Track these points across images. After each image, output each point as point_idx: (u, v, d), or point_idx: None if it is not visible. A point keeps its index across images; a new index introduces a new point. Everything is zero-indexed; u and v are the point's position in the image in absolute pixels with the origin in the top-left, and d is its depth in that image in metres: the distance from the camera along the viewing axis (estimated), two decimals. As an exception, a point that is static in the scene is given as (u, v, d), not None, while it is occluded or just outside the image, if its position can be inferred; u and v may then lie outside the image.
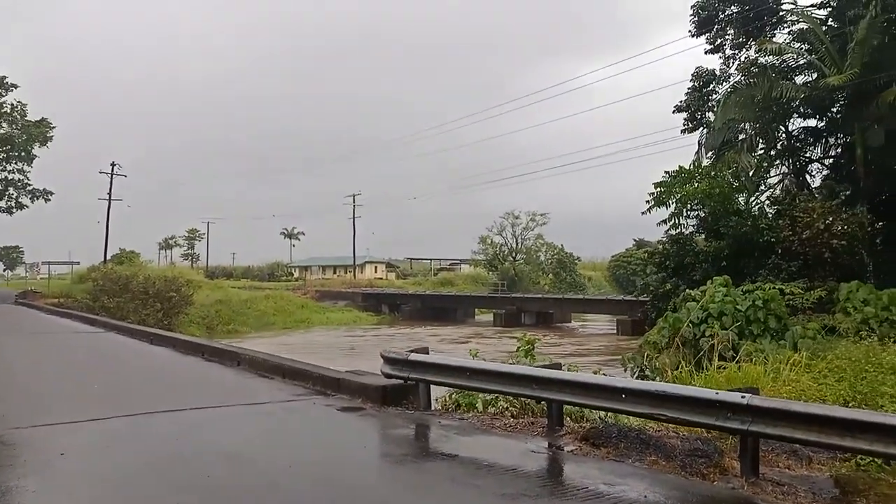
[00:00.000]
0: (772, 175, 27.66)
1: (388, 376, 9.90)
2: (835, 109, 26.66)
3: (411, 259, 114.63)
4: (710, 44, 28.53)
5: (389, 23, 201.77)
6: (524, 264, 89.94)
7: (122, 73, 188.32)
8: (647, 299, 37.26)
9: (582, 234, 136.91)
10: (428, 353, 10.00)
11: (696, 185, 23.32)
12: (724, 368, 11.42)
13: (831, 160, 26.64)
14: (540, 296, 68.83)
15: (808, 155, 27.21)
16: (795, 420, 6.07)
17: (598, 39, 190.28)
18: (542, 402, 8.44)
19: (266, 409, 9.80)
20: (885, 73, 22.17)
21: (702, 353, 11.75)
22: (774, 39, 26.13)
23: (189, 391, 11.27)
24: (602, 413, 8.83)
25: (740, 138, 27.99)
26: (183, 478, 6.48)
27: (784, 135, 27.24)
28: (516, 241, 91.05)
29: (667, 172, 24.93)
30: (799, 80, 26.11)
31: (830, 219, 20.51)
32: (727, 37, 28.22)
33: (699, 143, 28.94)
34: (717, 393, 6.64)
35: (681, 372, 11.14)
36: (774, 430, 6.22)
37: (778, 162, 27.64)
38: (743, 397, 6.37)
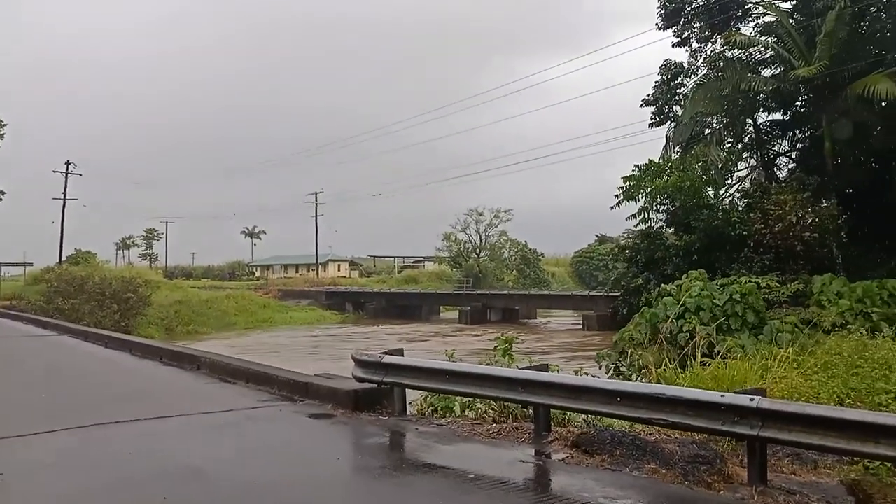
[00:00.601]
0: (739, 168, 27.59)
1: (361, 380, 9.28)
2: (798, 103, 26.65)
3: (375, 257, 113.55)
4: (678, 37, 28.34)
5: (347, 20, 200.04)
6: (488, 261, 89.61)
7: (76, 71, 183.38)
8: (615, 294, 36.83)
9: (545, 229, 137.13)
10: (403, 355, 9.40)
11: (666, 178, 23.03)
12: (707, 365, 11.02)
13: (798, 153, 26.62)
14: (505, 292, 68.52)
15: (775, 148, 27.15)
16: (811, 424, 5.58)
17: (561, 35, 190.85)
18: (529, 407, 7.89)
19: (229, 418, 9.09)
20: (853, 64, 22.13)
21: (686, 349, 11.32)
22: (741, 32, 25.99)
23: (145, 399, 10.48)
24: (589, 416, 8.35)
25: (706, 132, 27.85)
26: (136, 500, 5.80)
27: (752, 128, 27.18)
28: (480, 237, 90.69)
29: (636, 166, 24.61)
30: (766, 73, 26.00)
31: (802, 212, 20.39)
32: (694, 30, 28.05)
33: (667, 137, 28.75)
34: (722, 395, 6.14)
35: (665, 370, 10.65)
36: (788, 436, 5.73)
37: (746, 155, 27.58)
38: (752, 400, 5.88)
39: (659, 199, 23.28)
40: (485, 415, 9.01)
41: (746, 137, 27.59)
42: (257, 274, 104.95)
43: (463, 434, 8.05)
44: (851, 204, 23.62)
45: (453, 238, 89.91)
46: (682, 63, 28.62)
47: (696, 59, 28.30)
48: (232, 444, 7.79)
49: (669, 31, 28.33)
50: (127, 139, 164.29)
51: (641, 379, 14.80)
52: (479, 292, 67.95)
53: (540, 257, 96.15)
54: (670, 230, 24.64)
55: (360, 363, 9.29)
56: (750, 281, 15.85)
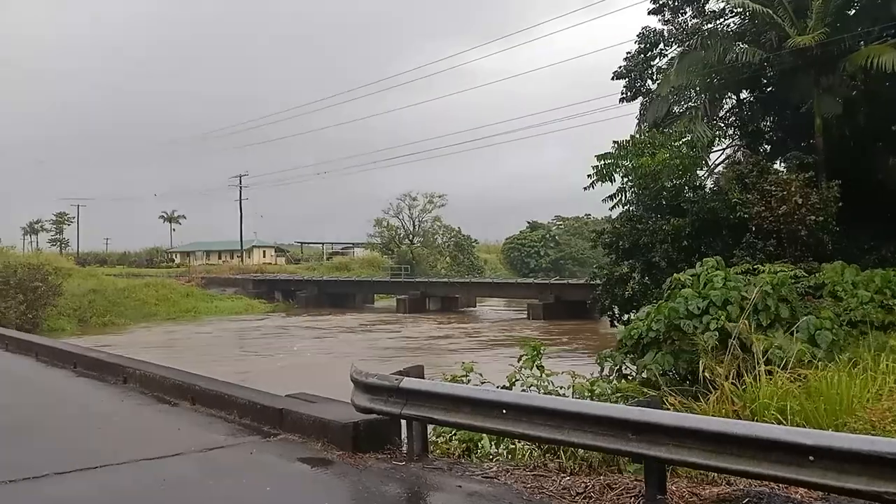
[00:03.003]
0: (720, 147, 25.84)
1: (366, 410, 6.66)
2: (765, 82, 25.05)
3: (302, 243, 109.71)
4: (654, 3, 26.31)
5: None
6: (422, 247, 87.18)
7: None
8: (562, 282, 34.72)
9: (474, 215, 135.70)
10: (423, 375, 6.83)
11: (649, 157, 20.90)
12: (771, 374, 8.84)
13: (783, 131, 25.01)
14: (446, 279, 66.20)
15: (759, 125, 25.49)
16: None
17: (498, 21, 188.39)
18: (640, 460, 5.40)
19: (180, 468, 6.31)
20: (851, 33, 20.54)
21: (748, 357, 9.11)
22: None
23: (51, 438, 7.52)
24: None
25: (676, 111, 25.99)
26: None
27: (735, 102, 25.46)
28: (413, 223, 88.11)
29: (615, 142, 22.49)
30: (743, 45, 24.18)
31: (806, 192, 18.66)
32: (669, -4, 26.00)
33: (640, 113, 26.75)
34: None
35: (737, 384, 8.34)
36: None
37: (730, 132, 25.86)
38: None
39: (643, 180, 21.18)
40: (544, 460, 6.52)
41: (728, 114, 25.87)
42: (177, 261, 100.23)
43: (532, 496, 5.51)
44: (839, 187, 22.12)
45: (385, 224, 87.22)
46: (662, 31, 26.56)
47: (674, 28, 26.30)
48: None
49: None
50: (35, 119, 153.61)
51: (618, 381, 12.62)
52: (417, 280, 65.50)
53: (474, 244, 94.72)
54: (652, 214, 22.43)
55: (365, 387, 6.66)
56: (782, 270, 13.86)
